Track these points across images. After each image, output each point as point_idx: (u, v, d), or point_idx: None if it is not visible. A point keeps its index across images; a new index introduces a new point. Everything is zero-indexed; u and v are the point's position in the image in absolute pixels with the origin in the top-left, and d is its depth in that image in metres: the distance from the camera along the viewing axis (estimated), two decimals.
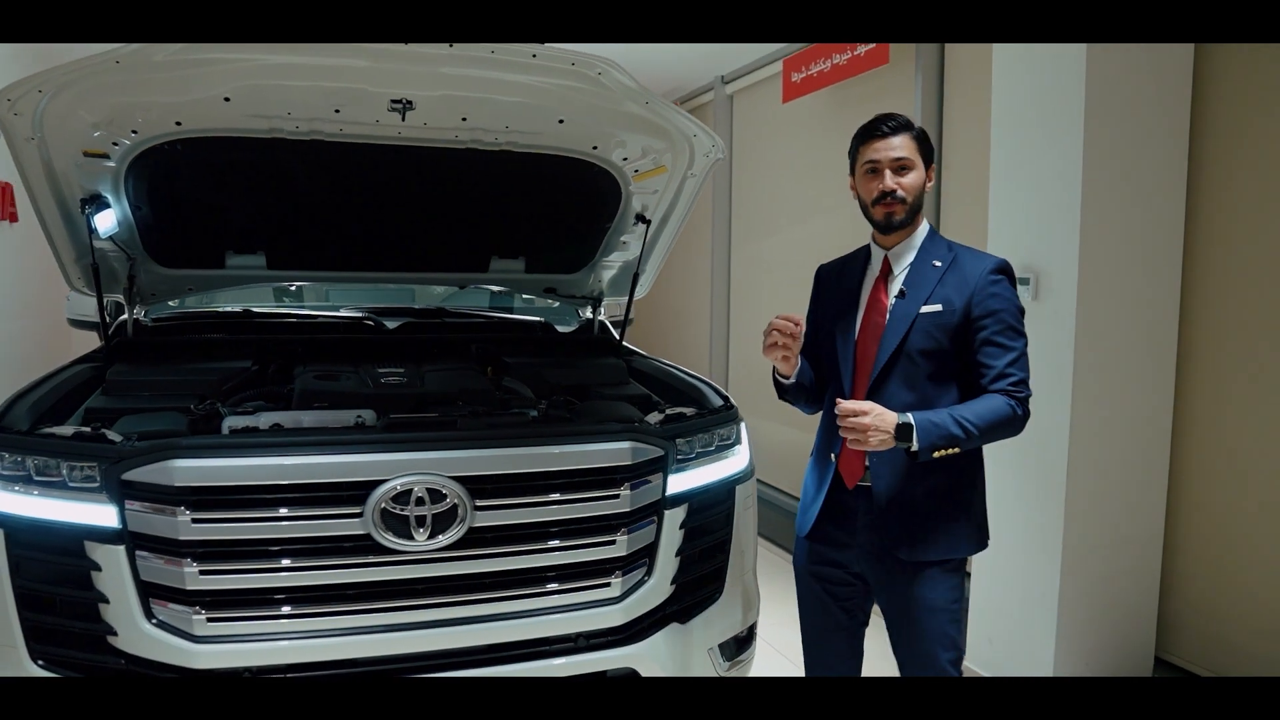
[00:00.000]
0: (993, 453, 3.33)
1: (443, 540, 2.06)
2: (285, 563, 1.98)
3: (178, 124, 2.32)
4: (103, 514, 1.98)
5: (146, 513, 1.96)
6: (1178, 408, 3.21)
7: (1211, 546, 3.16)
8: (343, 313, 3.21)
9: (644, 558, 2.30)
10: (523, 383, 2.94)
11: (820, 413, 2.29)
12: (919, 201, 2.09)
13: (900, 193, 2.04)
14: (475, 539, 2.10)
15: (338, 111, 2.35)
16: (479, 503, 2.10)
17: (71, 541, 1.97)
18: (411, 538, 2.04)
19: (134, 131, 2.33)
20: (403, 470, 2.05)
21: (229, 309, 3.17)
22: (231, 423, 2.31)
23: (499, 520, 2.12)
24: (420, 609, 2.07)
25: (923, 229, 2.14)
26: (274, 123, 2.36)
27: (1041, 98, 3.11)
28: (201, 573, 1.94)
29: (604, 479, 2.21)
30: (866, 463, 2.09)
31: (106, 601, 1.96)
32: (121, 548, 1.96)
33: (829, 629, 2.25)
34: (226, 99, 2.24)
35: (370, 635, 2.03)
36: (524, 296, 3.72)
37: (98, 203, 2.50)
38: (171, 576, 1.95)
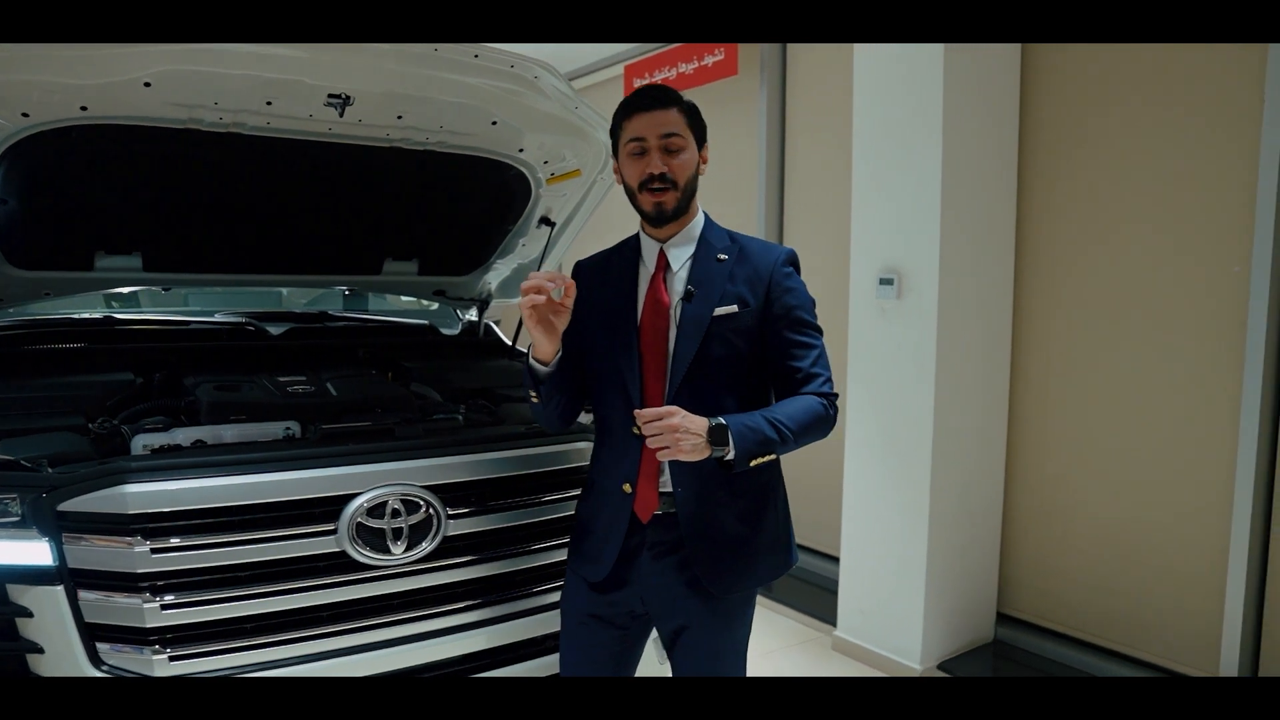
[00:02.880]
0: (863, 438, 3.65)
1: (421, 551, 1.99)
2: (256, 588, 1.84)
3: (83, 109, 2.05)
4: (31, 551, 1.74)
5: (92, 546, 1.74)
6: (1013, 391, 3.66)
7: (1042, 514, 3.63)
8: (219, 318, 2.96)
9: None
10: (430, 387, 2.86)
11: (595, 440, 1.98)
12: (693, 186, 1.84)
13: (671, 175, 1.78)
14: (450, 548, 2.05)
15: (269, 104, 2.18)
16: (451, 511, 2.05)
17: None
18: (388, 551, 1.96)
19: (25, 115, 2.04)
20: (372, 482, 1.97)
21: (85, 316, 2.83)
22: (146, 441, 2.11)
23: (473, 528, 2.08)
24: (399, 624, 1.99)
25: (700, 217, 1.90)
26: (195, 113, 2.14)
27: (901, 103, 3.42)
28: (164, 607, 1.76)
29: (568, 480, 2.23)
30: (664, 489, 1.82)
31: (40, 651, 1.73)
32: (60, 588, 1.73)
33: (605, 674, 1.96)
34: (147, 84, 2.01)
35: (350, 657, 1.93)
36: (388, 297, 3.61)
37: None
38: (127, 614, 1.75)
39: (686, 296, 1.81)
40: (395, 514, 1.97)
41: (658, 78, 4.98)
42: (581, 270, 1.99)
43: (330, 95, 2.21)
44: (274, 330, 2.98)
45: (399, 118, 2.39)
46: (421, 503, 2.00)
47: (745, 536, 1.85)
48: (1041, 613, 3.64)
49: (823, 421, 1.80)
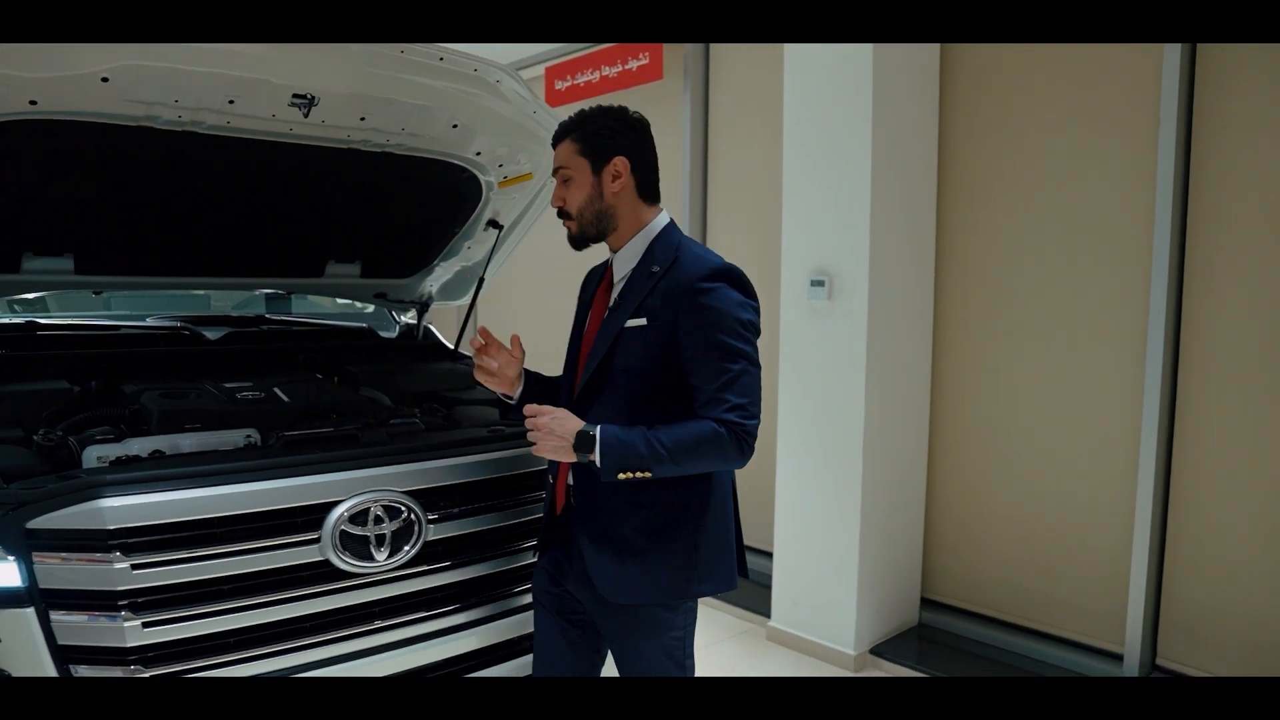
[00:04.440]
0: (796, 436, 3.77)
1: (403, 557, 1.98)
2: (240, 601, 1.79)
3: (32, 103, 1.94)
4: None
5: (66, 564, 1.66)
6: (933, 388, 3.86)
7: (960, 503, 3.84)
8: (151, 322, 2.84)
9: None
10: (378, 391, 2.82)
11: None
12: (596, 209, 1.88)
13: (565, 208, 1.90)
14: (430, 553, 2.04)
15: (231, 103, 2.11)
16: (430, 516, 2.04)
17: None
18: (371, 558, 1.94)
19: None
20: (353, 489, 1.95)
21: (6, 320, 2.66)
22: (100, 453, 2.02)
23: (452, 532, 2.08)
24: (382, 631, 1.97)
25: (649, 230, 1.90)
26: (153, 110, 2.05)
27: (831, 106, 3.53)
28: (144, 625, 1.70)
29: (540, 481, 2.24)
30: (570, 493, 1.90)
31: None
32: (30, 610, 1.65)
33: (567, 659, 2.01)
34: (105, 79, 1.92)
35: (335, 666, 1.90)
36: (310, 297, 3.54)
37: None
38: (106, 634, 1.68)
39: (615, 306, 1.89)
40: (378, 520, 1.95)
41: (580, 80, 5.00)
42: (585, 278, 2.14)
43: (295, 95, 2.16)
44: (211, 335, 2.88)
45: (362, 119, 2.35)
46: (402, 508, 1.99)
47: (642, 548, 1.82)
48: (962, 596, 3.85)
49: (713, 445, 1.72)
